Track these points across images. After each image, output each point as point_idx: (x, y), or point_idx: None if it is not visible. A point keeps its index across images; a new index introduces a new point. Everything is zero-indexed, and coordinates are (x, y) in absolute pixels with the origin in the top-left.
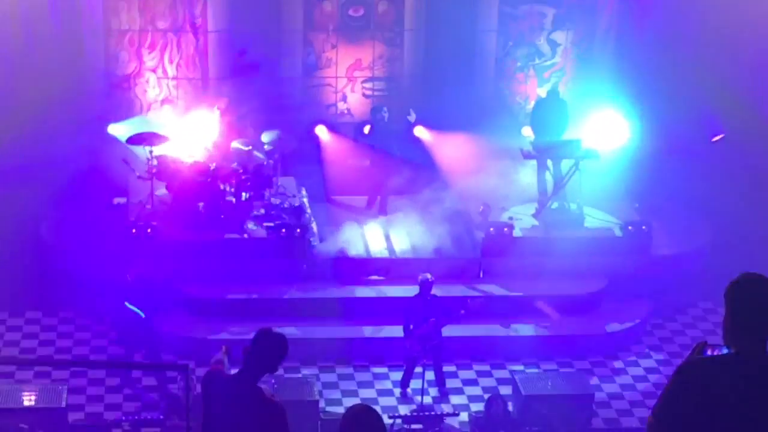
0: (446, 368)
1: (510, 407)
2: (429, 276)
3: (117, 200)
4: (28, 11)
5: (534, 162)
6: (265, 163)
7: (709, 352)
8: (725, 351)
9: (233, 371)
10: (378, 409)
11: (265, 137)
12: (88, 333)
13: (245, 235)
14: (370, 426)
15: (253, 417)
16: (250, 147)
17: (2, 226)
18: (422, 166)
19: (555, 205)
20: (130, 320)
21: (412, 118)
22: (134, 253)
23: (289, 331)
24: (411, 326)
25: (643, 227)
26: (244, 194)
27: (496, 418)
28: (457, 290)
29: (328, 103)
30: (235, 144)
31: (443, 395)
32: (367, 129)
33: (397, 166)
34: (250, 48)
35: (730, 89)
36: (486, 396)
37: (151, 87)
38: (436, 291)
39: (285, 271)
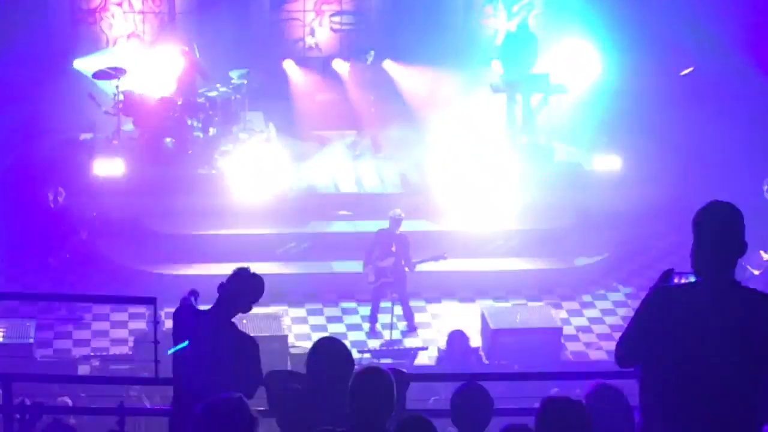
0: (415, 303)
1: (473, 342)
2: (399, 212)
3: (84, 136)
4: None
5: (503, 96)
6: (232, 98)
7: (676, 280)
8: (692, 279)
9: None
10: (347, 344)
11: (233, 74)
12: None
13: (213, 171)
14: (336, 354)
15: (227, 350)
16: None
17: None
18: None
19: (524, 139)
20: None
21: (371, 58)
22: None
23: (260, 266)
24: (372, 260)
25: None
26: (211, 129)
27: (458, 354)
28: (425, 225)
29: (296, 38)
30: None
31: (411, 329)
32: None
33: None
34: None
35: (700, 22)
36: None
37: (118, 21)
38: (406, 225)
39: (254, 207)
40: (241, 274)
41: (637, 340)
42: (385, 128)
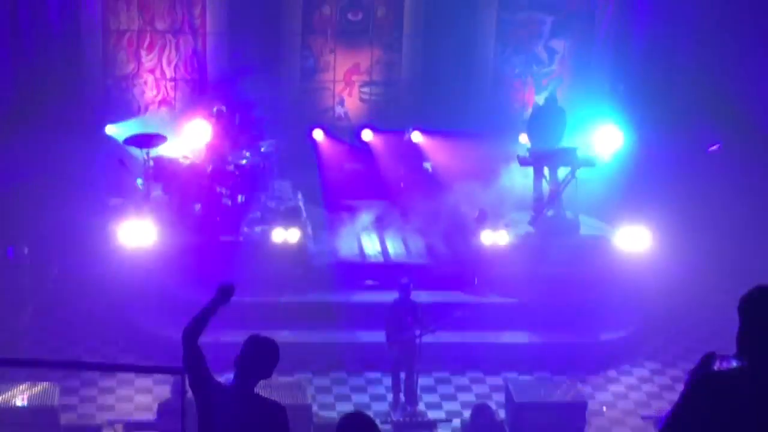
0: (440, 374)
1: (499, 416)
2: (405, 279)
3: (113, 201)
4: (27, 10)
5: (530, 169)
6: (261, 166)
7: (717, 364)
8: (734, 363)
9: (224, 379)
10: (370, 414)
11: (263, 142)
12: (82, 333)
13: (241, 238)
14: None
15: (256, 422)
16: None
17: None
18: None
19: (551, 212)
20: (124, 321)
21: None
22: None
23: (283, 334)
24: (391, 331)
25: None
26: (240, 197)
27: (483, 428)
28: (450, 297)
29: (325, 107)
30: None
31: (411, 403)
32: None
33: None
34: (250, 50)
35: (727, 99)
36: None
37: (149, 88)
38: (431, 297)
39: (280, 274)
40: (253, 340)
41: (684, 429)
42: (414, 200)
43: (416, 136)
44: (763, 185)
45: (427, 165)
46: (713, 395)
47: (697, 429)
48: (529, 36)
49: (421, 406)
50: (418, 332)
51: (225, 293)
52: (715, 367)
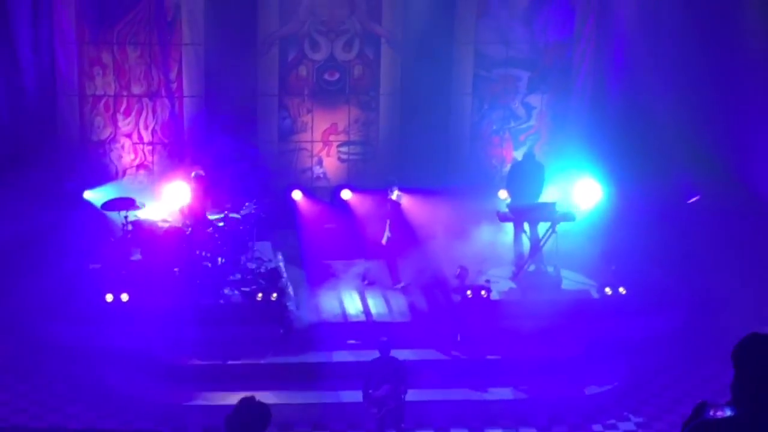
0: None
1: None
2: (385, 338)
3: (92, 265)
4: (2, 75)
5: (510, 225)
6: (240, 228)
7: (711, 413)
8: (728, 411)
9: None
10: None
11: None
12: (62, 400)
13: (221, 301)
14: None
15: None
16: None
17: None
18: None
19: (532, 267)
20: (104, 386)
21: (395, 194)
22: (109, 320)
23: (266, 396)
24: (369, 390)
25: (621, 289)
26: (219, 259)
27: None
28: (433, 354)
29: (303, 167)
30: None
31: None
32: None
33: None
34: (227, 112)
35: (704, 150)
36: None
37: (127, 152)
38: (413, 355)
39: (261, 336)
40: (247, 403)
41: None
42: (400, 258)
43: (395, 194)
44: (743, 235)
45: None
46: None
47: None
48: (505, 92)
49: None
50: (402, 390)
51: None
52: (710, 415)
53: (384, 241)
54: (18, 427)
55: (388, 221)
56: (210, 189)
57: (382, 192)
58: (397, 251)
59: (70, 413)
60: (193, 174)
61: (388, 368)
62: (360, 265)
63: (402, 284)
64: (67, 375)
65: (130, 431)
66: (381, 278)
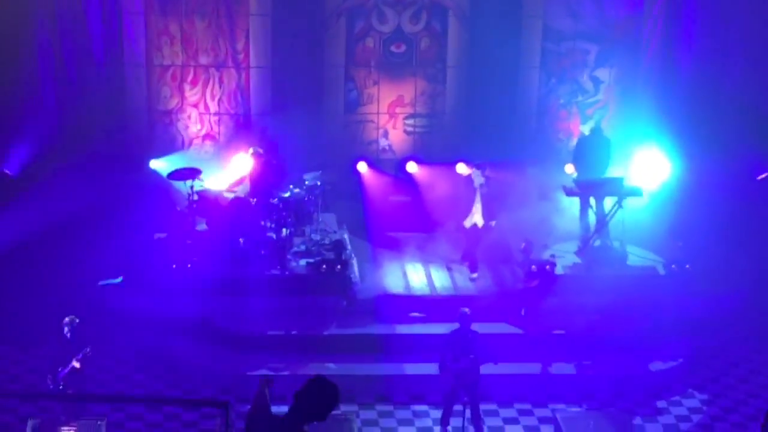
0: (487, 407)
1: None
2: (467, 310)
3: (158, 235)
4: (70, 46)
5: (577, 199)
6: (305, 199)
7: None
8: None
9: (276, 410)
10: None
11: (307, 175)
12: (128, 368)
13: (286, 272)
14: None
15: None
16: None
17: (45, 260)
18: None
19: (598, 242)
20: (170, 355)
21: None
22: (175, 290)
23: (329, 367)
24: (447, 361)
25: (687, 265)
26: (284, 230)
27: None
28: (499, 328)
29: (369, 140)
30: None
31: (478, 429)
32: None
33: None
34: (292, 84)
35: None
36: None
37: (193, 122)
38: (477, 329)
39: (325, 307)
40: (317, 383)
41: None
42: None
43: (460, 168)
44: None
45: (493, 223)
46: None
47: None
48: (573, 66)
49: None
50: (480, 363)
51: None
52: None
53: (467, 224)
54: (84, 394)
55: (478, 204)
56: (271, 163)
57: (449, 165)
58: (482, 238)
59: (136, 381)
60: (251, 151)
61: (467, 340)
62: (425, 238)
63: (476, 275)
64: (134, 344)
65: (194, 400)
66: (441, 251)
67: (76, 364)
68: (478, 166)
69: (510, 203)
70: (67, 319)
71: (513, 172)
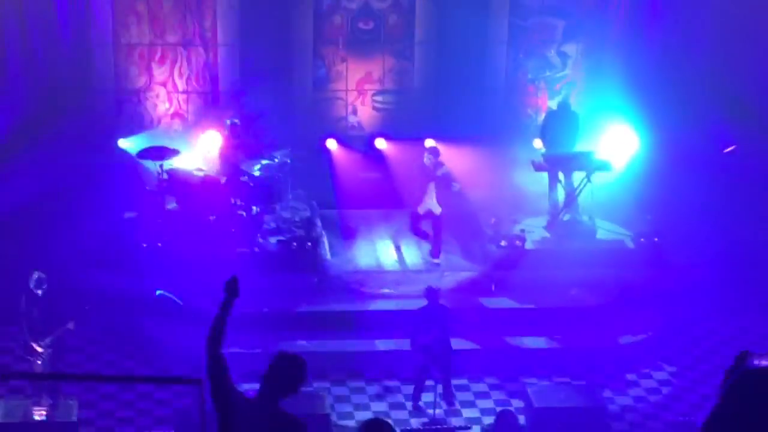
0: (458, 381)
1: (521, 421)
2: (434, 284)
3: (127, 215)
4: (37, 26)
5: (545, 174)
6: (275, 176)
7: (756, 362)
8: None
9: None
10: (390, 422)
11: (276, 153)
12: (99, 347)
13: (256, 249)
14: None
15: None
16: None
17: (13, 241)
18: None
19: (567, 217)
20: (142, 334)
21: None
22: (145, 269)
23: (300, 344)
24: (418, 337)
25: (655, 239)
26: (254, 208)
27: None
28: (469, 303)
29: (338, 117)
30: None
31: (450, 408)
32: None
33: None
34: (260, 61)
35: (741, 99)
36: (498, 409)
37: (161, 101)
38: (446, 304)
39: (296, 284)
40: (281, 357)
41: (727, 426)
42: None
43: (429, 143)
44: None
45: (456, 186)
46: (756, 391)
47: (741, 426)
48: (541, 41)
49: (440, 413)
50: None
51: (232, 288)
52: (755, 364)
53: (421, 210)
54: (56, 374)
55: (431, 186)
56: (244, 138)
57: (418, 141)
58: (445, 222)
59: (107, 360)
60: (228, 122)
61: (436, 316)
62: (394, 215)
63: (439, 261)
64: (104, 323)
65: (167, 378)
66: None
67: (71, 326)
68: (430, 151)
69: (478, 179)
70: (35, 275)
71: (477, 147)
